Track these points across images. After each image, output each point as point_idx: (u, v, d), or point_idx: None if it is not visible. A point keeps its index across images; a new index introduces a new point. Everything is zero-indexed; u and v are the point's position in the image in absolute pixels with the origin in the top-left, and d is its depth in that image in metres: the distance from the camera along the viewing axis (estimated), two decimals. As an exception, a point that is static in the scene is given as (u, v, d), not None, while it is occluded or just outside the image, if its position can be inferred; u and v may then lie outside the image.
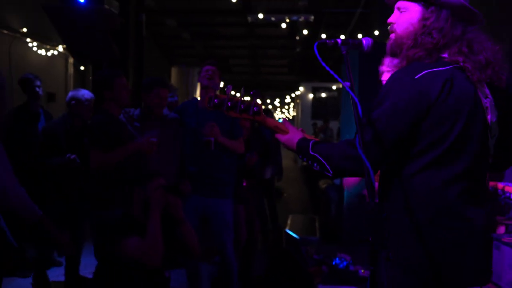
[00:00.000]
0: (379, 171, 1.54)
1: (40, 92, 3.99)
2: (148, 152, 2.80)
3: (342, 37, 11.56)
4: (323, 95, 15.14)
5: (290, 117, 32.46)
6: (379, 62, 2.19)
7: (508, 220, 3.32)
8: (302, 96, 16.05)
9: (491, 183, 3.55)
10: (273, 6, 10.51)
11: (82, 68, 10.44)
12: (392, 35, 1.48)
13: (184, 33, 13.57)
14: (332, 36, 11.74)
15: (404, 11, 1.45)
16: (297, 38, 12.51)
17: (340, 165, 1.39)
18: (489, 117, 1.40)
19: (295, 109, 21.89)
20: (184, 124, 3.21)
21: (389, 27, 1.50)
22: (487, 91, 1.42)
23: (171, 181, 2.96)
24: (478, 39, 1.40)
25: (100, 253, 2.17)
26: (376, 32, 9.38)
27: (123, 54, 5.07)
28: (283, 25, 10.13)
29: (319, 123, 13.90)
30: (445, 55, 1.39)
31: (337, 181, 5.15)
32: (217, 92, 1.59)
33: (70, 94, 3.64)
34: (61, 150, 3.39)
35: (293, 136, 1.54)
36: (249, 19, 9.61)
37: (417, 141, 1.35)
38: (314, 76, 14.67)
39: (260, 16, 9.00)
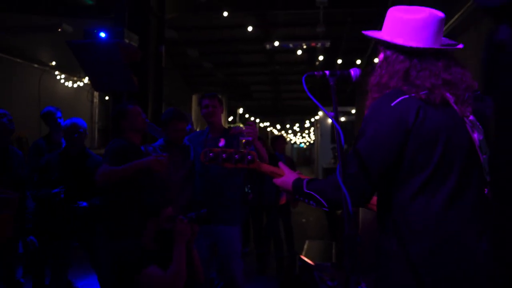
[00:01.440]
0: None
1: (62, 123, 4.18)
2: (156, 171, 2.79)
3: (359, 62, 11.68)
4: (343, 119, 15.14)
5: (311, 142, 32.39)
6: None
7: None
8: (321, 121, 16.08)
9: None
10: (291, 33, 10.73)
11: (106, 98, 10.84)
12: (376, 72, 1.56)
13: (205, 62, 13.94)
14: (349, 61, 11.85)
15: (382, 50, 1.55)
16: (317, 63, 12.67)
17: (334, 197, 1.42)
18: (475, 135, 1.42)
19: (314, 134, 21.87)
20: (195, 153, 3.31)
21: (376, 66, 1.59)
22: (468, 110, 1.43)
23: (185, 209, 3.04)
24: (448, 64, 1.45)
25: (116, 284, 2.25)
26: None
27: (143, 85, 5.27)
28: (299, 52, 10.29)
29: (339, 147, 13.85)
30: (417, 81, 1.44)
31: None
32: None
33: (71, 122, 3.58)
34: (53, 181, 3.41)
35: (288, 178, 1.60)
36: (267, 46, 9.82)
37: (403, 167, 1.38)
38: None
39: (276, 43, 9.19)
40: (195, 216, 2.38)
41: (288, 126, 31.48)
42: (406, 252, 1.36)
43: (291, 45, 9.48)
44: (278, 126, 30.67)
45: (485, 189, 1.45)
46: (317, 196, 1.45)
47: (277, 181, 1.63)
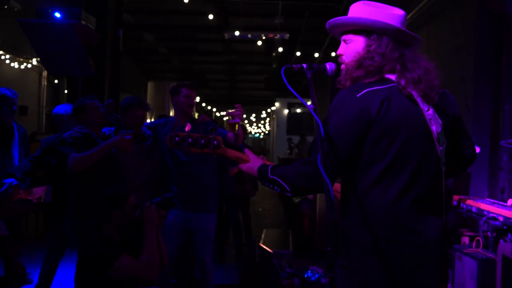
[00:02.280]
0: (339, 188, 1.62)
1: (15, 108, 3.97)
2: (123, 149, 2.89)
3: (316, 55, 11.88)
4: (298, 110, 15.40)
5: (266, 132, 32.71)
6: None
7: (470, 232, 3.49)
8: (277, 112, 16.27)
9: (455, 197, 3.72)
10: (250, 23, 10.73)
11: (56, 81, 10.36)
12: (342, 66, 1.60)
13: (161, 48, 13.65)
14: (307, 53, 12.04)
15: (350, 42, 1.58)
16: (274, 54, 12.76)
17: (296, 184, 1.48)
18: (433, 128, 1.50)
19: (270, 124, 22.10)
20: (160, 143, 3.29)
21: (339, 59, 1.62)
22: (425, 104, 1.51)
23: (147, 196, 3.02)
24: (413, 59, 1.52)
25: (87, 278, 2.19)
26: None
27: (100, 70, 5.09)
28: (259, 43, 10.32)
29: (294, 138, 14.10)
30: (387, 75, 1.51)
31: (310, 196, 5.27)
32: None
33: (63, 110, 3.60)
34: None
35: (254, 164, 1.62)
36: (226, 35, 9.77)
37: (364, 156, 1.45)
38: (290, 92, 14.88)
39: (237, 33, 9.16)
40: (161, 201, 2.37)
41: (244, 116, 31.49)
42: (369, 238, 1.44)
43: (250, 36, 9.49)
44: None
45: (441, 179, 1.55)
46: (281, 182, 1.50)
47: (243, 166, 1.66)
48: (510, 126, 3.82)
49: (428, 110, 1.51)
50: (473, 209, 3.22)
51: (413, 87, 1.48)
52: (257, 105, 24.74)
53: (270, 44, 11.62)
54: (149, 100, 13.25)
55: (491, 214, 3.02)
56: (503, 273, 1.92)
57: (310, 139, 12.23)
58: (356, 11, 1.57)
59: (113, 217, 2.26)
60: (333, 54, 11.00)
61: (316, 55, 11.75)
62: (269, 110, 23.21)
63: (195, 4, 8.96)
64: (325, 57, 11.66)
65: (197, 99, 20.39)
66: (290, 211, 6.75)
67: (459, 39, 4.45)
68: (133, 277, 2.13)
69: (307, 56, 12.37)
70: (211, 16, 8.78)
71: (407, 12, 4.50)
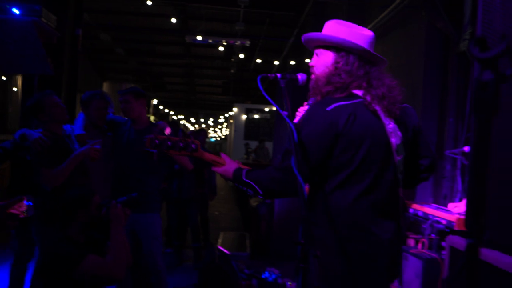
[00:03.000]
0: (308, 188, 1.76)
1: None
2: (92, 159, 2.87)
3: (276, 62, 12.11)
4: (256, 116, 15.55)
5: (223, 136, 32.72)
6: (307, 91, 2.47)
7: (416, 235, 3.75)
8: (235, 117, 16.35)
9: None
10: (211, 28, 10.80)
11: (4, 78, 9.92)
12: (312, 76, 1.76)
13: (118, 48, 13.40)
14: (267, 60, 12.26)
15: (320, 55, 1.74)
16: (232, 60, 12.88)
17: (269, 187, 1.60)
18: (393, 140, 1.67)
19: (228, 129, 22.17)
20: (116, 141, 3.30)
21: (310, 69, 1.77)
22: (387, 119, 1.67)
23: (107, 195, 3.02)
24: (378, 77, 1.69)
25: (49, 280, 2.18)
26: (307, 60, 9.98)
27: (57, 69, 4.98)
28: (220, 48, 10.41)
29: (252, 143, 14.25)
30: (354, 91, 1.67)
31: (268, 200, 5.41)
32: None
33: None
34: None
35: (229, 167, 1.73)
36: (187, 39, 9.78)
37: (331, 163, 1.60)
38: (248, 97, 15.10)
39: (199, 38, 9.20)
40: (127, 200, 2.40)
41: (202, 120, 31.41)
42: (333, 235, 1.60)
43: (211, 41, 9.56)
44: (193, 120, 30.44)
45: (398, 187, 1.72)
46: (254, 185, 1.62)
47: (219, 169, 1.76)
48: (454, 138, 4.13)
49: (389, 124, 1.67)
50: (419, 213, 3.47)
51: (377, 102, 1.64)
52: (215, 109, 24.75)
53: (230, 50, 11.75)
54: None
55: (435, 218, 3.27)
56: (450, 264, 2.12)
57: (268, 145, 12.42)
58: (329, 29, 1.72)
59: (77, 217, 2.26)
60: (292, 62, 11.32)
61: (276, 62, 12.00)
62: (227, 115, 23.27)
63: (156, 6, 8.92)
64: (284, 65, 11.94)
65: (154, 101, 20.16)
66: (247, 215, 6.86)
67: (411, 54, 4.76)
68: (100, 276, 2.14)
69: (267, 63, 12.58)
70: (174, 20, 8.77)
71: (365, 26, 4.77)
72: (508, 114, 1.75)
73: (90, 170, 3.14)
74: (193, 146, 1.70)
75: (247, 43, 9.67)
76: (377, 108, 1.64)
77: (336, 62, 1.68)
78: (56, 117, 2.95)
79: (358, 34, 1.68)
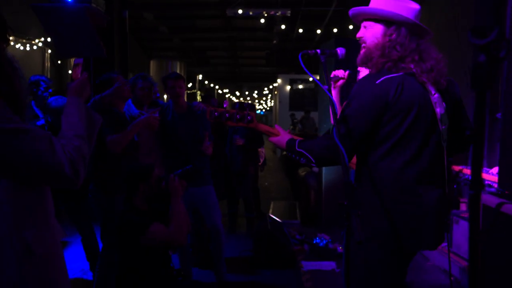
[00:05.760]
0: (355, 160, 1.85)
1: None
2: (152, 127, 3.07)
3: (318, 31, 11.85)
4: (300, 86, 15.47)
5: (268, 108, 32.75)
6: (349, 63, 2.49)
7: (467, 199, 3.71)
8: (279, 88, 16.33)
9: (456, 168, 3.94)
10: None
11: (59, 62, 10.47)
12: (363, 48, 1.80)
13: (161, 27, 13.66)
14: (309, 29, 12.06)
15: (369, 28, 1.78)
16: (274, 30, 12.78)
17: (320, 155, 1.70)
18: (438, 110, 1.73)
19: (273, 100, 22.19)
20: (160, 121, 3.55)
21: (359, 40, 1.82)
22: (433, 89, 1.74)
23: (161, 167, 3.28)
24: (427, 50, 1.74)
25: (121, 244, 2.44)
26: (351, 27, 9.75)
27: (109, 51, 5.24)
28: (262, 20, 10.36)
29: (297, 113, 14.25)
30: (403, 64, 1.71)
31: (315, 169, 5.49)
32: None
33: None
34: None
35: (283, 138, 1.85)
36: (228, 13, 9.81)
37: (379, 133, 1.68)
38: (291, 68, 15.00)
39: (240, 11, 9.20)
40: (182, 172, 2.59)
41: (247, 92, 31.59)
42: (377, 200, 1.69)
43: (251, 13, 9.53)
44: (237, 93, 30.68)
45: (443, 155, 1.78)
46: (307, 154, 1.73)
47: (273, 139, 1.88)
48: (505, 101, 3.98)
49: (434, 94, 1.73)
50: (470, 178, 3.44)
51: (426, 75, 1.70)
52: (259, 81, 24.76)
53: (271, 20, 11.65)
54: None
55: (487, 182, 3.24)
56: (483, 221, 2.17)
57: (313, 115, 12.37)
58: (377, 2, 1.77)
59: (140, 189, 2.48)
60: (335, 30, 11.08)
61: (318, 31, 11.78)
62: (271, 87, 23.23)
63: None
64: (327, 33, 11.71)
65: (200, 76, 20.47)
66: (296, 185, 6.99)
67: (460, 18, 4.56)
68: (164, 242, 2.37)
69: (309, 32, 12.37)
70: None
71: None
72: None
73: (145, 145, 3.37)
74: (249, 117, 1.85)
75: (288, 13, 9.55)
76: (425, 79, 1.70)
77: (388, 35, 1.73)
78: (122, 94, 3.13)
79: (406, 7, 1.72)
